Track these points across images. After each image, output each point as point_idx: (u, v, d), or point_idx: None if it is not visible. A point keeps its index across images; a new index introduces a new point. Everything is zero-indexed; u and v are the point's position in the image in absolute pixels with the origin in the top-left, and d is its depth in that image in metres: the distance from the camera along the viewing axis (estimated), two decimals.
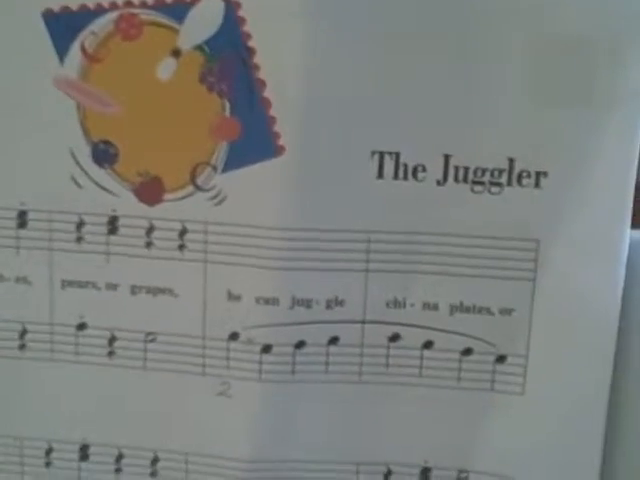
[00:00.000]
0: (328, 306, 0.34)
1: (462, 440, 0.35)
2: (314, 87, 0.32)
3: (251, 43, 0.32)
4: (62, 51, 0.33)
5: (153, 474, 0.37)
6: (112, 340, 0.36)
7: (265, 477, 0.36)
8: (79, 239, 0.35)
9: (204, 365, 0.35)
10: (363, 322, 0.34)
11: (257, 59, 0.32)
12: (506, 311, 0.34)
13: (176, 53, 0.32)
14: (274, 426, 0.36)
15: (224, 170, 0.33)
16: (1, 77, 0.34)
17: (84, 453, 0.37)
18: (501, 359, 0.34)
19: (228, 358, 0.35)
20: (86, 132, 0.34)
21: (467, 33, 0.31)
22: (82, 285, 0.35)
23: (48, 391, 0.37)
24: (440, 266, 0.34)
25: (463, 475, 0.35)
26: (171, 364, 0.36)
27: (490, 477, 0.35)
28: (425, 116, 0.32)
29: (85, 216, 0.35)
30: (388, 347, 0.35)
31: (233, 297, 0.35)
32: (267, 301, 0.34)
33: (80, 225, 0.35)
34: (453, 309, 0.34)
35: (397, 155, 0.33)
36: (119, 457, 0.37)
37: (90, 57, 0.33)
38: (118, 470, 0.37)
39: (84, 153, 0.34)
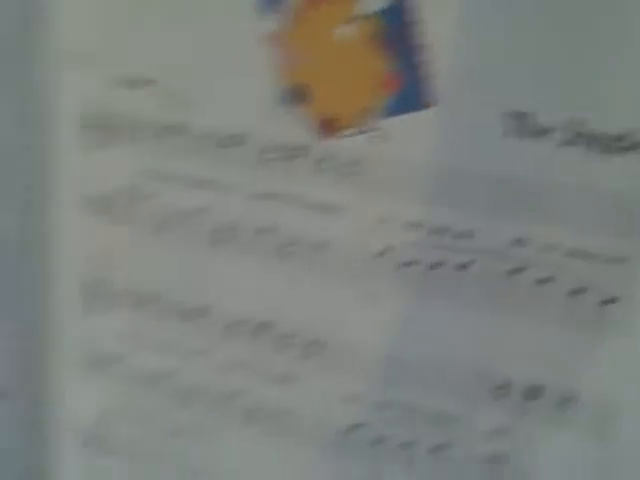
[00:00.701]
0: (461, 236, 0.36)
1: (572, 369, 0.36)
2: (468, 52, 0.34)
3: (419, 14, 0.34)
4: (264, 10, 0.37)
5: (304, 355, 0.42)
6: (285, 245, 0.40)
7: (394, 376, 0.40)
8: (264, 161, 0.40)
9: (354, 277, 0.39)
10: (490, 253, 0.36)
11: (423, 27, 0.34)
12: (620, 259, 0.34)
13: (355, 18, 0.35)
14: (409, 331, 0.39)
15: (387, 116, 0.36)
16: (212, 27, 0.38)
17: (263, 330, 0.42)
18: (611, 301, 0.35)
19: (374, 272, 0.38)
20: (278, 78, 0.38)
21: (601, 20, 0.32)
22: (268, 197, 0.40)
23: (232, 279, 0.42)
24: (562, 215, 0.35)
25: (571, 396, 0.37)
26: (328, 274, 0.39)
27: (596, 402, 0.36)
28: (562, 80, 0.33)
29: (271, 145, 0.39)
30: (510, 279, 0.36)
31: (383, 220, 0.38)
32: (410, 226, 0.37)
33: (264, 151, 0.39)
34: (570, 252, 0.35)
35: (531, 115, 0.34)
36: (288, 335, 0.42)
37: (285, 16, 0.37)
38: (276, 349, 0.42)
39: (275, 95, 0.38)
